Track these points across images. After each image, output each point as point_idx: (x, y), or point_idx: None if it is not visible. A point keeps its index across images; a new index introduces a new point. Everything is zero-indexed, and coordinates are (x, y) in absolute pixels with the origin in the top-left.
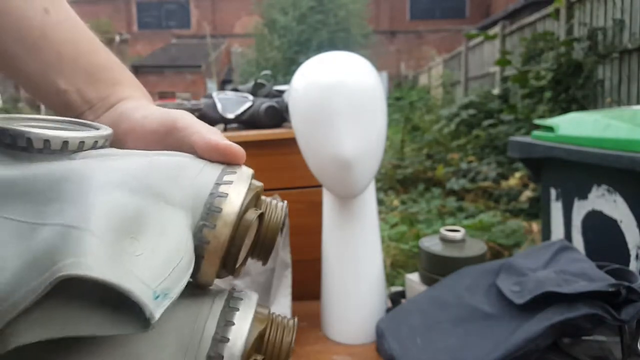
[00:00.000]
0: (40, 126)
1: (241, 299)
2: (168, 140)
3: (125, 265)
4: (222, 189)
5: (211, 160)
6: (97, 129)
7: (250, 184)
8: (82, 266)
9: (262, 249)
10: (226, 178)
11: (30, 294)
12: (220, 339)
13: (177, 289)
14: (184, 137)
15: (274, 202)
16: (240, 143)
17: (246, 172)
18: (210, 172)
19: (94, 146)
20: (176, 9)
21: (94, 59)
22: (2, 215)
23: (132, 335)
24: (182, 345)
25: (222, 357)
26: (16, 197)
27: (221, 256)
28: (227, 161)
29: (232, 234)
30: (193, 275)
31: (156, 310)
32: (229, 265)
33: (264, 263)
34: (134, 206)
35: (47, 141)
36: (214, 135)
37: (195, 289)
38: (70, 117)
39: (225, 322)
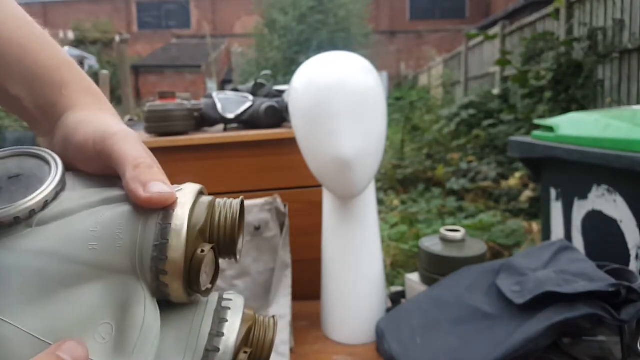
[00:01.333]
0: None
1: (231, 300)
2: (111, 166)
3: None
4: (161, 249)
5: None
6: (48, 162)
7: (191, 219)
8: None
9: (226, 250)
10: (162, 236)
11: None
12: (216, 333)
13: (145, 354)
14: (117, 168)
15: (228, 202)
16: (240, 143)
17: (181, 213)
18: (148, 225)
19: (45, 207)
20: (176, 9)
21: (41, 58)
22: None
23: None
24: (181, 340)
25: (219, 349)
26: None
27: (185, 294)
28: (158, 207)
29: (187, 280)
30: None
31: None
32: (195, 290)
33: (236, 260)
34: (88, 298)
35: (16, 218)
36: (136, 181)
37: None
38: (31, 125)
39: (220, 319)
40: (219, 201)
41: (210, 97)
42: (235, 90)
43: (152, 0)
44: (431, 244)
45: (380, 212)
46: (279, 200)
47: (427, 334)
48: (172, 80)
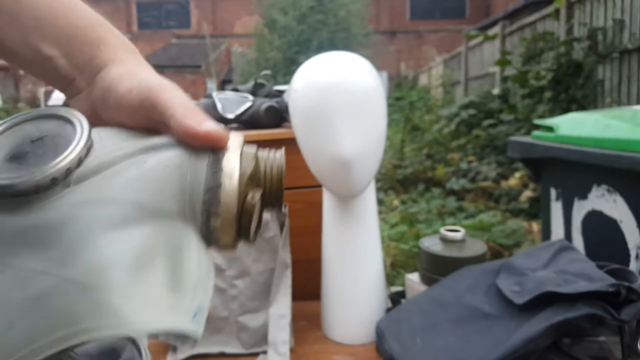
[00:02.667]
0: (21, 133)
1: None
2: (152, 117)
3: (154, 305)
4: (214, 193)
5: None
6: (69, 121)
7: (241, 164)
8: (112, 326)
9: (272, 200)
10: (215, 179)
11: (45, 349)
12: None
13: (208, 298)
14: (163, 117)
15: (271, 154)
16: None
17: (232, 157)
18: (198, 169)
19: (80, 164)
20: (176, 9)
21: (74, 18)
22: (5, 264)
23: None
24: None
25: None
26: (19, 245)
27: (234, 240)
28: (209, 146)
29: (238, 225)
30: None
31: (198, 330)
32: (244, 238)
33: (279, 210)
34: (140, 240)
35: (36, 186)
36: (190, 119)
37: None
38: (62, 86)
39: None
40: (262, 152)
41: (210, 97)
42: (235, 90)
43: (152, 0)
44: (431, 244)
45: (380, 212)
46: None
47: (427, 334)
48: (172, 80)
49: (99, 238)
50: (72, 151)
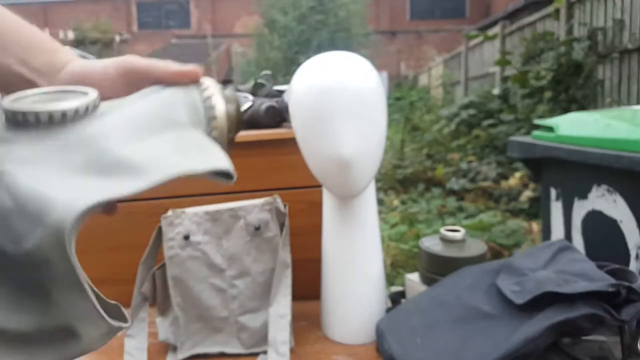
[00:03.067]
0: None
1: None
2: (132, 81)
3: (207, 153)
4: (208, 103)
5: (181, 84)
6: (85, 92)
7: (219, 89)
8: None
9: (237, 125)
10: (205, 94)
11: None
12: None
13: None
14: (145, 76)
15: (233, 94)
16: (240, 143)
17: (212, 83)
18: (192, 94)
19: (99, 105)
20: (176, 9)
21: (25, 33)
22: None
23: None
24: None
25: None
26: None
27: (228, 141)
28: (192, 80)
29: (228, 126)
30: None
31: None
32: (229, 141)
33: (234, 136)
34: (170, 137)
35: (63, 114)
36: (172, 66)
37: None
38: (21, 89)
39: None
40: (225, 93)
41: None
42: (236, 90)
43: (152, 0)
44: (431, 244)
45: (380, 212)
46: (279, 200)
47: (427, 334)
48: None
49: (130, 141)
50: (90, 97)
